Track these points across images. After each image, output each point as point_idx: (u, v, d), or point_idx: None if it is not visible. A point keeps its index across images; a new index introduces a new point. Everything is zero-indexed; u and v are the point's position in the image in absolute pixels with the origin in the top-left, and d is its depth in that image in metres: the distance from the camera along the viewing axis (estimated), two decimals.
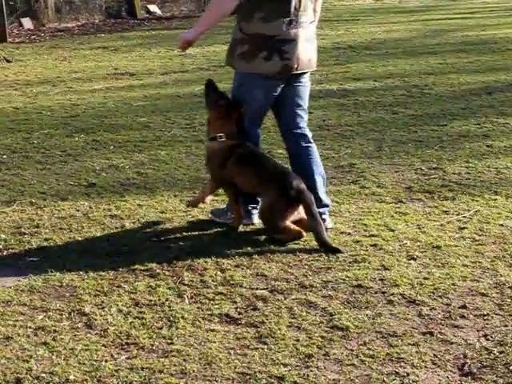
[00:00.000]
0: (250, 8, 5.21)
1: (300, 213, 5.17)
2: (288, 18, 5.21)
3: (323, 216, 5.36)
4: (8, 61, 14.50)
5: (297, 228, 5.18)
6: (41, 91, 11.26)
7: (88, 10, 22.51)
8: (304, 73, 5.43)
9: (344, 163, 7.00)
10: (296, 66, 5.28)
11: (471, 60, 12.53)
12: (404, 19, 19.17)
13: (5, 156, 7.62)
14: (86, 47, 16.47)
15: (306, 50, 5.33)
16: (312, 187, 5.33)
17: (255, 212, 5.52)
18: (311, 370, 3.68)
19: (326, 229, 5.23)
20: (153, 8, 23.37)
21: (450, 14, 20.12)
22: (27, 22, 20.37)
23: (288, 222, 5.17)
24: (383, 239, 5.22)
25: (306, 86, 5.54)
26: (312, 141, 5.60)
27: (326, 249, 5.01)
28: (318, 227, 5.04)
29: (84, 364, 3.77)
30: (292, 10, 5.21)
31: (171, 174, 6.79)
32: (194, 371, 3.70)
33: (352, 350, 3.84)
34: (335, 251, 4.98)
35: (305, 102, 5.57)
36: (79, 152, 7.70)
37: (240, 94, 5.38)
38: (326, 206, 5.51)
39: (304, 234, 5.18)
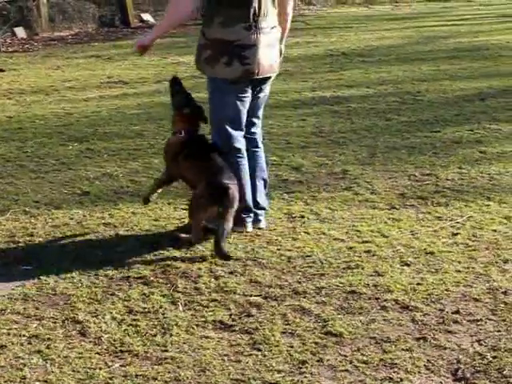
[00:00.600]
0: (209, 13, 5.27)
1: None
2: (247, 23, 5.24)
3: (259, 217, 5.57)
4: (1, 70, 14.50)
5: (200, 234, 5.30)
6: (34, 100, 11.26)
7: (81, 18, 22.52)
8: (266, 79, 5.48)
9: (337, 170, 7.01)
10: (257, 71, 5.32)
11: (464, 66, 12.57)
12: (397, 26, 19.22)
13: None
14: (79, 56, 16.48)
15: (267, 55, 5.36)
16: (252, 189, 5.52)
17: (249, 220, 5.52)
18: (305, 376, 3.68)
19: (260, 228, 5.54)
20: (146, 17, 23.40)
21: (443, 20, 20.17)
22: (20, 32, 20.37)
23: (202, 219, 5.28)
24: (377, 245, 5.23)
25: (265, 95, 5.65)
26: (260, 145, 5.72)
27: (219, 255, 5.04)
28: (220, 232, 5.07)
29: (78, 372, 3.77)
30: (251, 15, 5.24)
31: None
32: (188, 378, 3.70)
33: (346, 356, 3.85)
34: (226, 258, 5.02)
35: (261, 110, 5.69)
36: (73, 160, 7.70)
37: (214, 99, 5.43)
38: (263, 208, 5.66)
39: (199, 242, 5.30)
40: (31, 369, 3.80)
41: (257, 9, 5.25)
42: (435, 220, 5.69)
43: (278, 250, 5.20)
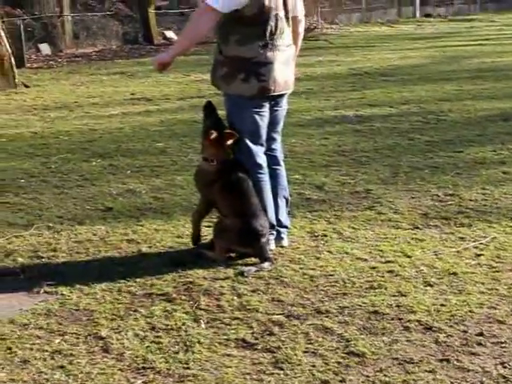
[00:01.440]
0: (226, 31, 5.30)
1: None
2: (264, 41, 5.27)
3: (281, 235, 5.62)
4: (26, 86, 14.62)
5: (225, 256, 5.37)
6: (58, 116, 11.35)
7: (105, 35, 22.69)
8: (282, 95, 5.50)
9: (360, 189, 7.00)
10: (273, 88, 5.34)
11: (487, 86, 12.55)
12: (420, 46, 19.22)
13: (23, 180, 7.68)
14: (103, 72, 16.60)
15: (283, 73, 5.38)
16: (274, 208, 5.56)
17: (272, 238, 5.52)
18: None
19: (282, 246, 5.58)
20: (169, 34, 23.53)
21: (466, 40, 20.17)
22: (45, 48, 20.55)
23: (229, 249, 5.38)
24: (399, 265, 5.21)
25: (283, 110, 5.67)
26: (282, 163, 5.74)
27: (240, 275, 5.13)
28: (252, 269, 5.17)
29: None
30: (267, 33, 5.27)
31: (188, 198, 6.81)
32: None
33: (368, 377, 3.83)
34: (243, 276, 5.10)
35: (280, 126, 5.71)
36: (96, 176, 7.74)
37: (232, 115, 5.45)
38: (286, 227, 5.70)
39: (223, 264, 5.31)
40: None
41: (273, 27, 5.28)
42: (458, 241, 5.66)
43: (301, 268, 5.19)
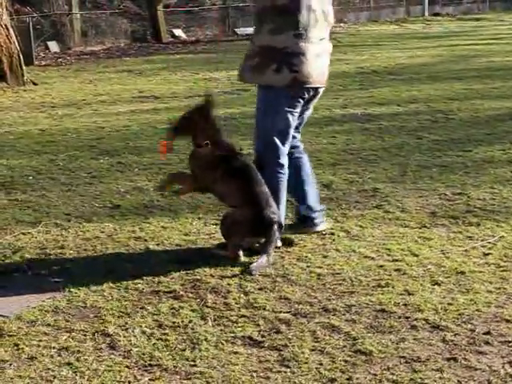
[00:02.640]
0: (259, 20, 5.29)
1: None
2: (296, 32, 5.25)
3: (315, 220, 5.75)
4: (34, 83, 14.64)
5: (240, 252, 5.30)
6: (66, 114, 11.36)
7: (114, 33, 22.72)
8: (316, 91, 5.48)
9: (368, 187, 6.99)
10: (305, 80, 5.32)
11: (496, 86, 12.52)
12: (428, 45, 19.19)
13: (30, 177, 7.69)
14: (111, 70, 16.61)
15: (316, 65, 5.37)
16: (304, 196, 5.67)
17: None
18: None
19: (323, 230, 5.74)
20: (178, 32, 23.54)
21: (475, 39, 20.12)
22: (53, 46, 20.58)
23: (240, 243, 5.30)
24: (407, 264, 5.20)
25: (310, 111, 5.69)
26: (303, 152, 5.81)
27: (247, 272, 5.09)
28: (259, 263, 5.13)
29: None
30: (300, 23, 5.25)
31: (195, 196, 6.80)
32: None
33: (375, 375, 3.82)
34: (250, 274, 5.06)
35: (302, 125, 5.78)
36: (104, 174, 7.75)
37: (264, 109, 5.42)
38: (318, 211, 5.79)
39: (240, 260, 5.29)
40: (61, 381, 3.81)
41: (306, 18, 5.26)
42: (466, 240, 5.65)
43: (308, 266, 5.19)
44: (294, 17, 5.24)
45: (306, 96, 5.44)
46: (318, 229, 5.75)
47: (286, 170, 5.51)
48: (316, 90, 5.49)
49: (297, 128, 5.66)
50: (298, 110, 5.44)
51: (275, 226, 5.24)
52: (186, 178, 5.60)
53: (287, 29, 5.26)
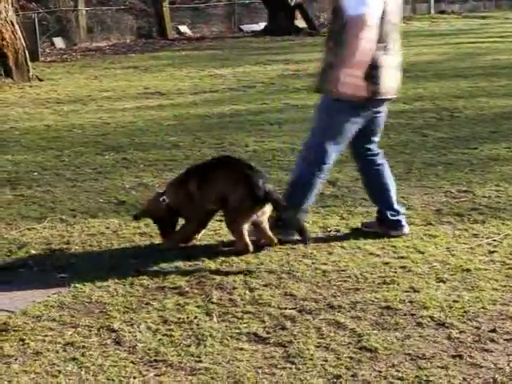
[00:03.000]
0: (339, 32, 5.19)
1: (261, 216, 5.31)
2: (378, 45, 5.20)
3: (403, 222, 5.72)
4: (40, 79, 14.67)
5: (248, 241, 5.30)
6: (72, 109, 11.38)
7: (119, 30, 22.75)
8: (388, 100, 5.49)
9: None
10: (383, 91, 5.33)
11: (502, 84, 12.50)
12: (434, 42, 19.18)
13: (36, 173, 7.70)
14: (117, 66, 16.63)
15: (393, 77, 5.39)
16: (390, 202, 5.70)
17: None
18: None
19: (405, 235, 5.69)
20: (183, 29, 23.56)
21: (481, 37, 20.10)
22: (59, 42, 20.61)
23: (246, 228, 5.28)
24: (412, 261, 5.19)
25: (385, 115, 5.65)
26: (383, 157, 5.78)
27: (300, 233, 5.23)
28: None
29: (112, 380, 3.78)
30: (382, 37, 5.21)
31: None
32: None
33: (380, 372, 3.82)
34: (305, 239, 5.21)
35: (381, 129, 5.72)
36: (109, 170, 7.76)
37: (330, 118, 5.38)
38: (403, 213, 5.79)
39: (250, 249, 5.30)
40: (66, 376, 3.82)
41: (387, 31, 5.24)
42: (472, 237, 5.64)
43: (313, 263, 5.19)
44: (378, 31, 5.17)
45: (379, 107, 5.47)
46: (406, 231, 5.70)
47: (322, 176, 5.52)
48: (389, 99, 5.52)
49: (376, 133, 5.63)
50: (363, 119, 5.42)
51: (274, 194, 5.27)
52: (184, 226, 5.62)
53: None
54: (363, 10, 5.02)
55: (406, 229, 5.73)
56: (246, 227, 5.30)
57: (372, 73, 5.22)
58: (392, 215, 5.69)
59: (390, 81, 5.37)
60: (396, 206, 5.73)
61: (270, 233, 5.45)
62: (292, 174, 5.69)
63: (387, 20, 5.24)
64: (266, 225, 5.41)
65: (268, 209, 5.32)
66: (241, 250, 5.32)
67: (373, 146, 5.69)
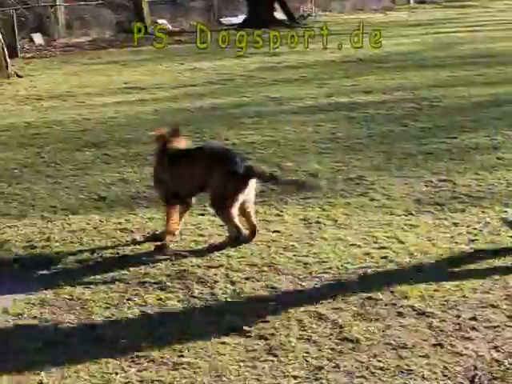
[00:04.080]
0: None
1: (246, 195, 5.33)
2: None
3: None
4: (19, 76, 14.59)
5: (239, 224, 5.33)
6: (51, 106, 11.33)
7: (98, 25, 22.64)
8: None
9: (353, 175, 6.99)
10: None
11: (480, 72, 12.53)
12: (413, 32, 19.20)
13: (16, 170, 7.66)
14: (96, 62, 16.56)
15: None
16: None
17: None
18: (321, 383, 3.67)
19: None
20: (162, 22, 23.46)
21: (459, 27, 20.14)
22: (38, 38, 20.50)
23: (234, 211, 5.28)
24: (393, 251, 5.21)
25: None
26: None
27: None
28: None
29: (94, 377, 3.77)
30: None
31: None
32: (204, 383, 3.70)
33: (362, 362, 3.83)
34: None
35: None
36: (90, 166, 7.73)
37: None
38: None
39: (243, 233, 5.35)
40: (48, 373, 3.81)
41: None
42: (452, 226, 5.66)
43: (295, 255, 5.19)
44: None
45: None
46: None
47: None
48: None
49: None
50: None
51: (249, 163, 5.36)
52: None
53: None
54: None
55: None
56: (235, 212, 5.30)
57: None
58: None
59: None
60: None
61: (254, 219, 5.44)
62: None
63: None
64: (251, 209, 5.41)
65: (253, 188, 5.33)
66: (234, 236, 5.32)
67: None
